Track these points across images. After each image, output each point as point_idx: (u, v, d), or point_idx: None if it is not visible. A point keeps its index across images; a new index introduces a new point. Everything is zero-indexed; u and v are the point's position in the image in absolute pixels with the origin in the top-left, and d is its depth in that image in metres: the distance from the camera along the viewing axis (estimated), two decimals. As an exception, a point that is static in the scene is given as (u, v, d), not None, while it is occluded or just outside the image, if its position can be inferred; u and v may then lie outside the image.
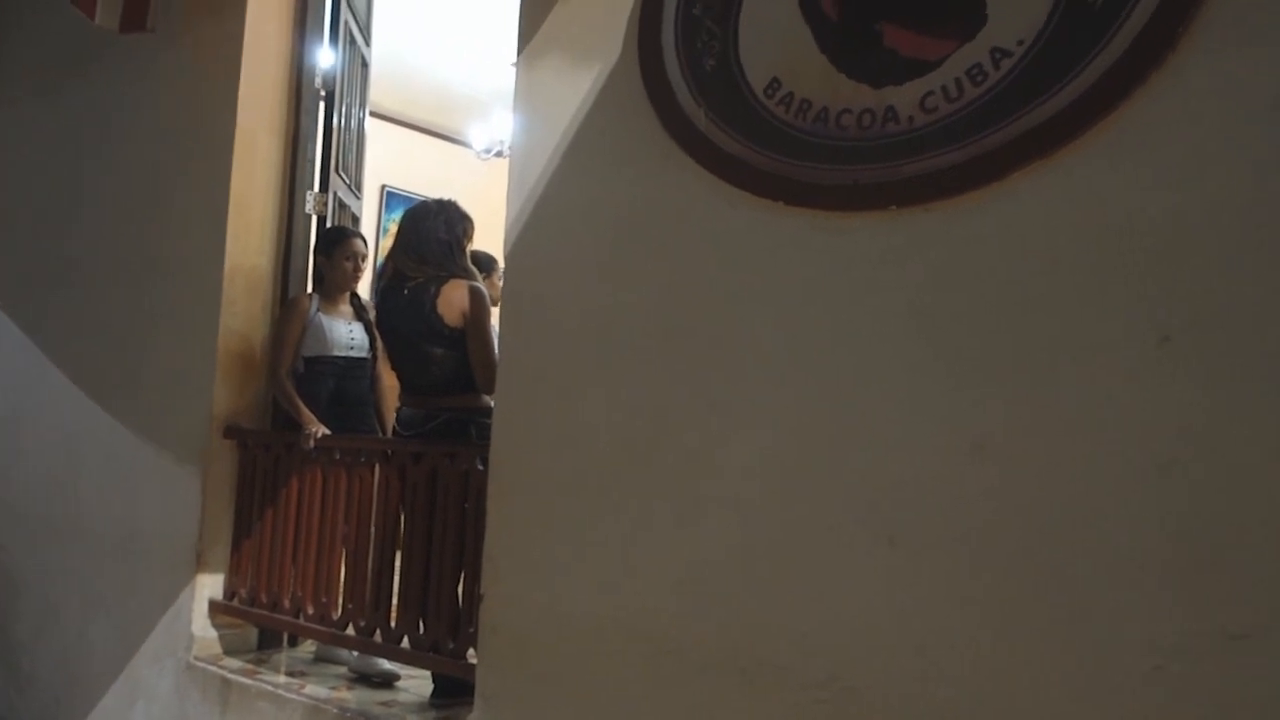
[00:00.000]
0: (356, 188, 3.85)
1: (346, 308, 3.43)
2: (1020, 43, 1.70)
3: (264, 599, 3.18)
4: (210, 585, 3.31)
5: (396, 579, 2.86)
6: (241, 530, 3.31)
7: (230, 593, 3.30)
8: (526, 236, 2.34)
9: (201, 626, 3.29)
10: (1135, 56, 1.59)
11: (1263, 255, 1.44)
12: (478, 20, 5.33)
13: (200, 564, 3.28)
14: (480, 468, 2.58)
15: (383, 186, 6.75)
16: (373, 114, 4.03)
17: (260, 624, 3.31)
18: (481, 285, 2.91)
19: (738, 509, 1.93)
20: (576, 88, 2.29)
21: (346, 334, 3.36)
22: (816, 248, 1.90)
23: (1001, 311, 1.67)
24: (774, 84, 1.98)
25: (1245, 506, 1.42)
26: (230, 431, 3.31)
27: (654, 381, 2.07)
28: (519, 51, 2.43)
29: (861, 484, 1.78)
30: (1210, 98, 1.51)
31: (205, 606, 3.30)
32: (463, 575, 2.66)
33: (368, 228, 6.91)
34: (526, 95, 2.41)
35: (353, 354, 3.37)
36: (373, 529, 2.92)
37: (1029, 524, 1.60)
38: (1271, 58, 1.47)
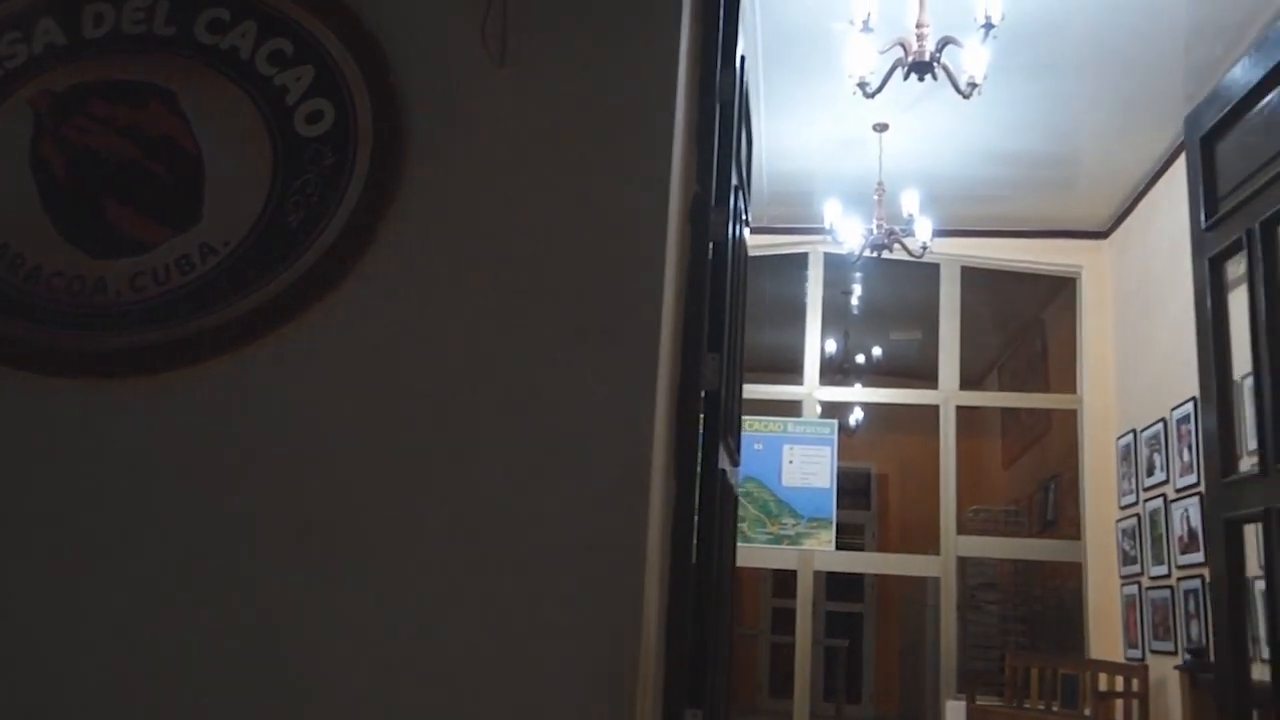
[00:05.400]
0: None
1: None
2: (226, 244, 1.85)
3: None
4: None
5: None
6: None
7: None
8: None
9: None
10: (319, 273, 1.82)
11: (382, 457, 1.71)
12: None
13: None
14: None
15: None
16: None
17: None
18: None
19: None
20: None
21: None
22: (15, 409, 1.83)
23: (178, 491, 1.75)
24: (-10, 232, 1.91)
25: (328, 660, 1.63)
26: None
27: None
28: None
29: None
30: (363, 321, 1.79)
31: None
32: None
33: None
34: None
35: None
36: None
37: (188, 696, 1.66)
38: (410, 301, 1.78)
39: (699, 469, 1.91)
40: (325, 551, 1.70)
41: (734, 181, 2.16)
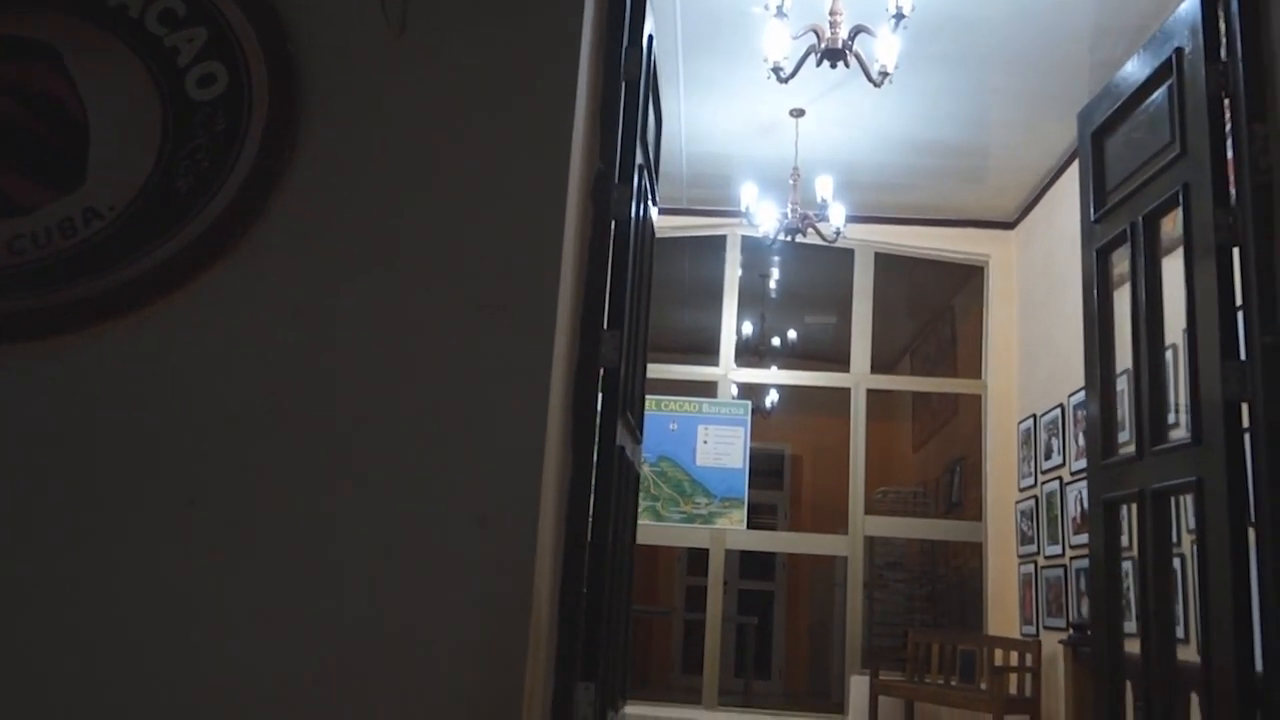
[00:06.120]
0: None
1: None
2: (112, 208, 1.80)
3: None
4: None
5: None
6: None
7: None
8: None
9: None
10: (210, 240, 1.78)
11: (271, 428, 1.68)
12: None
13: None
14: None
15: None
16: None
17: None
18: None
19: None
20: None
21: None
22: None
23: (57, 459, 1.70)
24: None
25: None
26: None
27: None
28: None
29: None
30: (254, 290, 1.75)
31: None
32: None
33: None
34: None
35: None
36: None
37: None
38: (303, 271, 1.75)
39: (596, 445, 1.92)
40: (212, 522, 1.67)
41: (639, 160, 2.17)
